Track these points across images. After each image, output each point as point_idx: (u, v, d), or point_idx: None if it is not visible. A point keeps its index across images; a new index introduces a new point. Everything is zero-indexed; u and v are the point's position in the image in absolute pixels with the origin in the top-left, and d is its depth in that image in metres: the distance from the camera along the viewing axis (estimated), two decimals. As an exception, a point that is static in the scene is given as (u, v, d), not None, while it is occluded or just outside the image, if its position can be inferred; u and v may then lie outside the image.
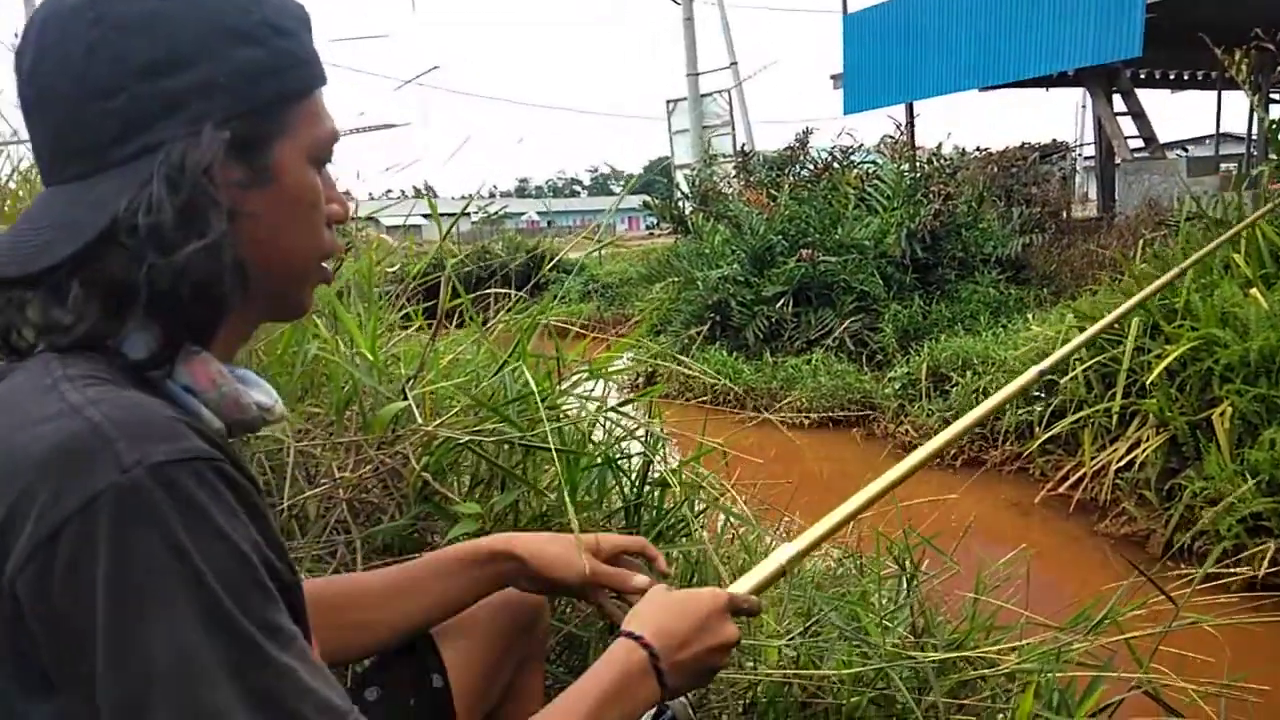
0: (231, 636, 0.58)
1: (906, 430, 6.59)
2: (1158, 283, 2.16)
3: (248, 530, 0.62)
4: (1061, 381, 5.48)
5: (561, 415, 1.63)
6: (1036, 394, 5.77)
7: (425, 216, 2.20)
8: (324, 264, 0.79)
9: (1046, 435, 5.45)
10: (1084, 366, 5.33)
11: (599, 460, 1.65)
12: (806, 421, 6.99)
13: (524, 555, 1.08)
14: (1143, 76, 13.56)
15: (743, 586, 0.99)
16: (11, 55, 0.69)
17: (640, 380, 5.18)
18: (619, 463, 1.72)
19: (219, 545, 0.59)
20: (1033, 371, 1.42)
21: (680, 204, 12.94)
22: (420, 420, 1.55)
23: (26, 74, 0.68)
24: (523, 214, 40.74)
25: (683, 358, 1.74)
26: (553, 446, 1.34)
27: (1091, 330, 1.87)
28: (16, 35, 0.70)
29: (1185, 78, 14.38)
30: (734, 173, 12.66)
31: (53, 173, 0.68)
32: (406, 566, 1.12)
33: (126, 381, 0.65)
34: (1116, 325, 5.31)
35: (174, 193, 0.63)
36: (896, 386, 6.98)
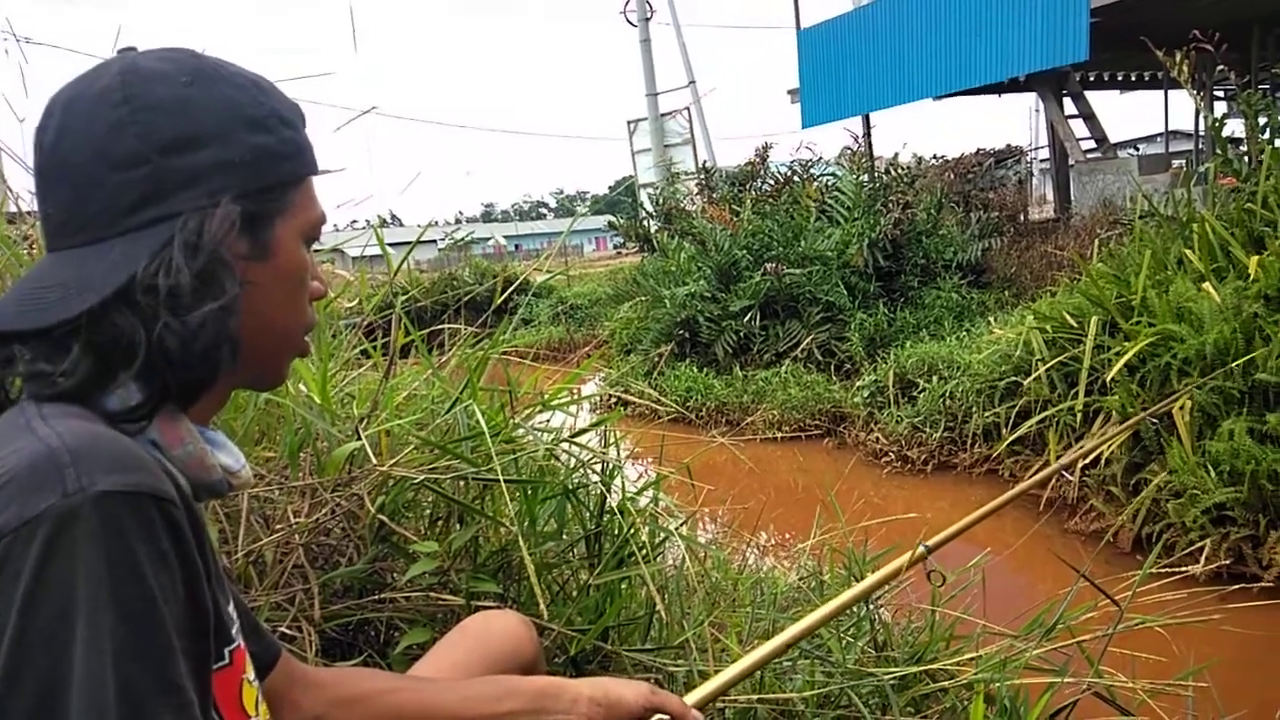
0: (118, 683, 0.57)
1: (876, 438, 6.64)
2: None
3: (172, 580, 0.62)
4: (1026, 383, 5.56)
5: (517, 447, 1.62)
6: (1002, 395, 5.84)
7: (393, 245, 2.20)
8: (305, 338, 0.85)
9: (1014, 436, 5.51)
10: (1046, 367, 5.40)
11: (557, 491, 1.65)
12: (778, 435, 7.02)
13: None
14: (1091, 79, 13.83)
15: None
16: None
17: (613, 401, 5.19)
18: (581, 491, 1.71)
19: (134, 588, 0.59)
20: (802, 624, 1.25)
21: (645, 223, 12.99)
22: (375, 460, 1.54)
23: (48, 147, 0.71)
24: (489, 239, 40.67)
25: (637, 383, 1.74)
26: (502, 480, 1.34)
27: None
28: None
29: (1133, 79, 14.69)
30: (696, 190, 12.74)
31: (62, 237, 0.72)
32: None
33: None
34: (1075, 325, 5.41)
35: (192, 258, 0.68)
36: (865, 395, 7.03)
